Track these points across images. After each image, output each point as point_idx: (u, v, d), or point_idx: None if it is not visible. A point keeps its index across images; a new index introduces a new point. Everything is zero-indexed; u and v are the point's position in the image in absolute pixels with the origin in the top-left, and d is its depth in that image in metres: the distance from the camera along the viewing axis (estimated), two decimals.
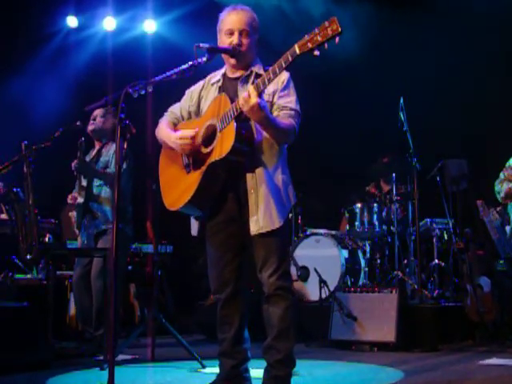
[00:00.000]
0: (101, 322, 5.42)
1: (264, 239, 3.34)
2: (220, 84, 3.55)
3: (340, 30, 2.86)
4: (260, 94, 3.15)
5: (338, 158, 8.51)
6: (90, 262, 5.62)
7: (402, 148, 6.49)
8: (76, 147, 5.53)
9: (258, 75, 3.40)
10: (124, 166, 5.55)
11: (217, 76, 3.61)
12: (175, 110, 3.72)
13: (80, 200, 5.68)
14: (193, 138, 3.42)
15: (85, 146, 5.57)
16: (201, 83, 3.68)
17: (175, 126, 3.64)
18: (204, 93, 3.62)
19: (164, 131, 3.60)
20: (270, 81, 3.13)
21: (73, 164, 5.57)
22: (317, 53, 2.94)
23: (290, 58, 3.03)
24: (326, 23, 2.90)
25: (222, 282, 3.49)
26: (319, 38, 2.91)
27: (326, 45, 2.91)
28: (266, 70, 3.34)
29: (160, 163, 3.67)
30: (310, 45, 2.94)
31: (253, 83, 3.24)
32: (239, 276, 3.49)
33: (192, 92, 3.68)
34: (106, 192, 5.65)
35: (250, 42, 3.45)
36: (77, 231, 5.75)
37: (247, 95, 3.12)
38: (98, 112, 5.81)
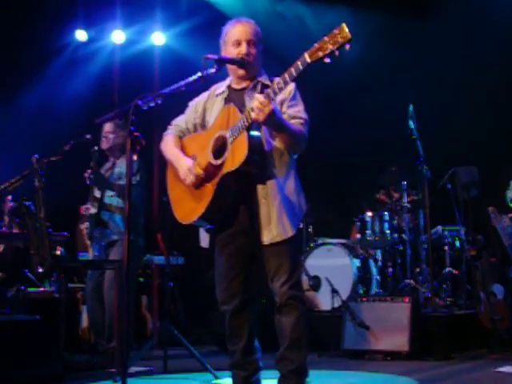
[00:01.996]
0: (113, 335, 5.42)
1: (276, 248, 3.33)
2: (225, 95, 3.55)
3: (350, 36, 2.86)
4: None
5: (348, 167, 8.51)
6: (103, 274, 5.63)
7: (412, 156, 6.47)
8: (86, 159, 5.56)
9: (264, 85, 3.40)
10: (137, 178, 5.58)
11: (221, 87, 3.60)
12: (180, 123, 3.70)
13: (93, 210, 5.70)
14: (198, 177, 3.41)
15: (98, 156, 5.60)
16: (205, 95, 3.66)
17: (181, 140, 3.64)
18: (209, 105, 3.61)
19: (171, 150, 3.59)
20: (281, 90, 3.14)
21: (86, 174, 5.60)
22: (328, 60, 2.94)
23: (301, 67, 3.02)
24: (336, 31, 2.90)
25: (230, 293, 3.47)
26: (330, 46, 2.91)
27: (337, 52, 2.92)
28: (271, 81, 3.35)
29: (168, 177, 3.65)
30: (320, 53, 2.94)
31: (260, 93, 3.24)
32: (247, 287, 3.48)
33: (196, 104, 3.67)
34: (118, 202, 5.67)
35: (257, 52, 3.47)
36: (88, 242, 5.77)
37: (259, 104, 3.11)
38: (108, 128, 5.84)
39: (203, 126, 3.61)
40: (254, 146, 3.25)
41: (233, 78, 3.56)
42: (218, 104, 3.54)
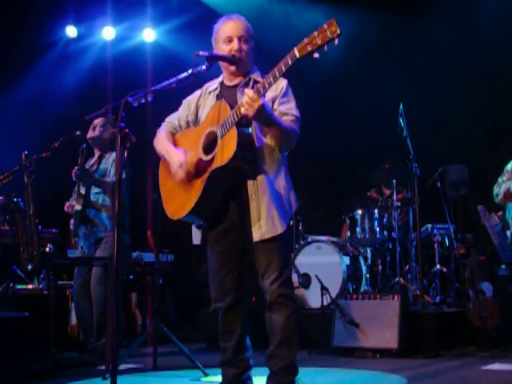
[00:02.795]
0: (102, 332, 5.40)
1: (266, 245, 3.33)
2: (217, 92, 3.56)
3: (339, 31, 2.87)
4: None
5: (338, 165, 8.53)
6: (90, 271, 5.62)
7: (403, 154, 6.48)
8: (77, 156, 5.55)
9: (256, 82, 3.40)
10: (123, 175, 5.55)
11: (214, 84, 3.62)
12: (173, 119, 3.71)
13: (78, 207, 5.68)
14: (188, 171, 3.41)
15: (86, 153, 5.59)
16: (198, 92, 3.68)
17: (173, 136, 3.64)
18: (201, 102, 3.62)
19: (163, 144, 3.60)
20: (270, 84, 3.14)
21: (73, 171, 5.58)
22: (317, 55, 2.95)
23: (290, 62, 3.03)
24: (325, 25, 2.91)
25: (224, 290, 3.48)
26: (319, 41, 2.92)
27: (325, 47, 2.92)
28: (263, 77, 3.35)
29: (160, 172, 3.66)
30: (309, 48, 2.95)
31: (252, 88, 3.24)
32: (240, 284, 3.49)
33: (189, 101, 3.68)
34: (103, 200, 5.66)
35: (249, 48, 3.47)
36: (73, 239, 5.76)
37: (248, 99, 3.11)
38: (98, 121, 5.83)
39: (196, 123, 3.62)
40: (244, 141, 3.24)
41: (225, 75, 3.56)
42: (210, 101, 3.55)
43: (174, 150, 3.52)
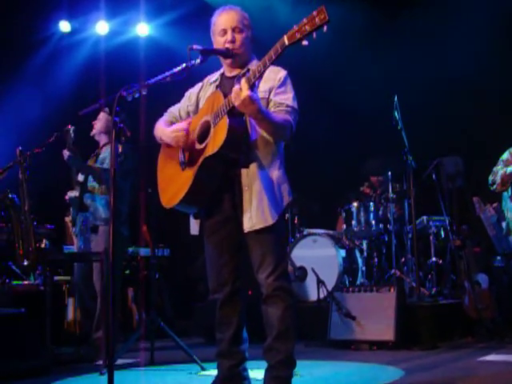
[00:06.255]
0: (101, 324, 5.38)
1: (258, 237, 3.32)
2: (217, 83, 3.56)
3: (328, 18, 2.85)
4: (252, 87, 3.14)
5: (333, 158, 8.53)
6: (90, 263, 5.60)
7: (398, 146, 6.48)
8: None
9: None
10: (122, 166, 5.52)
11: (215, 76, 3.63)
12: (174, 110, 3.74)
13: (76, 193, 5.63)
14: (187, 130, 3.42)
15: (73, 136, 5.48)
16: (200, 84, 3.70)
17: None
18: (202, 93, 3.63)
19: (160, 128, 3.61)
20: (260, 73, 3.12)
21: (64, 152, 5.48)
22: (305, 42, 2.93)
23: (280, 50, 3.01)
24: (315, 13, 2.89)
25: (221, 281, 3.48)
26: (307, 28, 2.90)
27: (314, 34, 2.90)
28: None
29: (158, 162, 3.67)
30: (298, 35, 2.93)
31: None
32: (237, 276, 3.48)
33: (191, 93, 3.70)
34: (100, 187, 5.62)
35: (244, 39, 3.45)
36: (72, 231, 5.73)
37: (237, 89, 3.11)
38: (99, 116, 5.81)
39: (196, 113, 3.62)
40: (234, 130, 3.22)
41: (225, 67, 3.56)
42: (210, 91, 3.55)
43: (168, 128, 3.54)
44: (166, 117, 3.72)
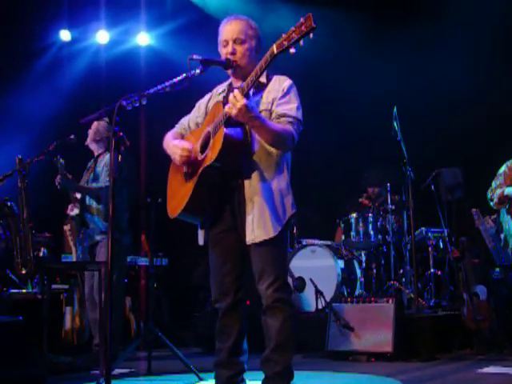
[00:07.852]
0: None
1: (260, 249, 3.33)
2: (224, 94, 3.57)
3: (314, 25, 2.87)
4: (247, 97, 3.15)
5: (332, 169, 8.53)
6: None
7: (397, 157, 6.49)
8: (71, 160, 5.54)
9: (259, 83, 3.37)
10: (120, 175, 5.53)
11: (223, 86, 3.64)
12: (184, 121, 3.76)
13: (76, 211, 5.66)
14: (190, 151, 3.42)
15: (63, 163, 5.54)
16: (209, 94, 3.72)
17: (183, 137, 3.66)
18: (211, 104, 3.63)
19: (167, 142, 3.61)
20: (253, 82, 3.14)
21: (56, 180, 5.54)
22: (293, 50, 2.96)
23: (269, 58, 3.04)
24: (302, 20, 2.92)
25: (223, 290, 3.47)
26: (294, 36, 2.93)
27: (301, 42, 2.92)
28: (269, 78, 3.36)
29: (169, 174, 3.68)
30: (286, 43, 2.96)
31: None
32: (240, 285, 3.48)
33: (200, 103, 3.72)
34: (97, 206, 5.63)
35: (246, 50, 3.44)
36: (71, 243, 5.74)
37: (232, 99, 3.11)
38: (94, 124, 5.83)
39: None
40: (231, 140, 3.22)
41: (231, 77, 3.57)
42: None
43: (174, 141, 3.53)
44: (176, 128, 3.73)
